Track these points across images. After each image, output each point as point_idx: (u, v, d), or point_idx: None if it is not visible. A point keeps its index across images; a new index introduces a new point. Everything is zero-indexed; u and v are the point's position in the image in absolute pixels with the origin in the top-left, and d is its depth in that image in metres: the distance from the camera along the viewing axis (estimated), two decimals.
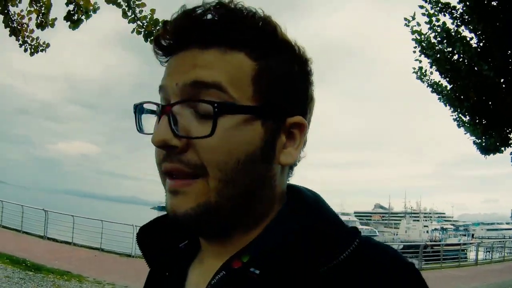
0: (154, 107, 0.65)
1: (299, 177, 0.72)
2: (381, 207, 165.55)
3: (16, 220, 15.95)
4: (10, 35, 6.04)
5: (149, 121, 0.66)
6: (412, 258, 19.35)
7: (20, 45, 6.11)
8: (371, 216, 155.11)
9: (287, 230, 0.61)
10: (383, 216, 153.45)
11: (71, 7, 4.73)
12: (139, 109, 0.65)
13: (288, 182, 0.69)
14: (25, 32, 6.07)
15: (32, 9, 5.81)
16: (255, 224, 0.63)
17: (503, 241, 24.05)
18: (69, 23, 4.89)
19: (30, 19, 5.99)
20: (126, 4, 4.63)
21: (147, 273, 0.78)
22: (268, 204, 0.64)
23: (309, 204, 0.65)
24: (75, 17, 4.76)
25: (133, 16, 4.69)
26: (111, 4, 4.60)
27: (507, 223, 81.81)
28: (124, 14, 4.69)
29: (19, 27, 6.09)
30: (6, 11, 5.95)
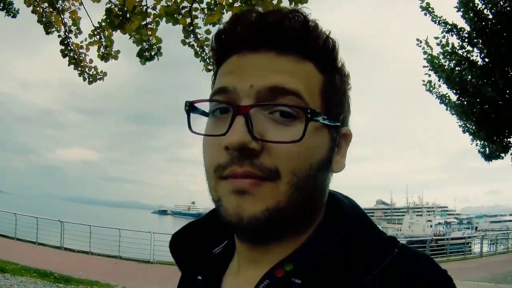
0: (206, 108, 0.65)
1: None
2: (383, 203, 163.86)
3: (30, 231, 15.99)
4: (68, 65, 6.41)
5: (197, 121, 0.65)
6: None
7: (79, 75, 6.49)
8: (373, 213, 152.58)
9: (328, 240, 0.61)
10: (385, 212, 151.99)
11: (144, 44, 5.13)
12: (192, 107, 0.64)
13: None
14: (84, 63, 6.45)
15: (92, 40, 6.23)
16: (304, 231, 0.63)
17: (507, 233, 24.29)
18: (141, 59, 5.30)
19: (88, 49, 6.39)
20: (197, 45, 5.04)
21: (171, 278, 0.79)
22: (318, 212, 0.65)
23: (348, 213, 0.65)
24: (147, 54, 5.16)
25: (204, 55, 5.11)
26: (186, 46, 5.04)
27: (511, 215, 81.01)
28: (196, 54, 5.11)
29: (80, 58, 6.43)
30: (66, 42, 6.34)
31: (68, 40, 6.44)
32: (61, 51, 6.65)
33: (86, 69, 6.53)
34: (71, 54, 6.46)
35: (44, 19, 6.37)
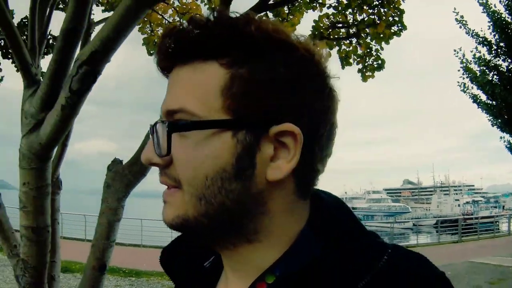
0: None
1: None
2: (410, 182, 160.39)
3: (72, 228, 15.99)
4: None
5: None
6: (451, 232, 20.71)
7: None
8: (400, 193, 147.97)
9: (312, 250, 0.57)
10: (412, 192, 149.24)
11: None
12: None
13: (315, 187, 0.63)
14: None
15: None
16: (258, 241, 0.59)
17: None
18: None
19: None
20: None
21: None
22: (265, 220, 0.58)
23: (333, 218, 0.60)
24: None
25: None
26: None
27: None
28: None
29: None
30: None
31: None
32: None
33: None
34: None
35: (149, 43, 6.98)
